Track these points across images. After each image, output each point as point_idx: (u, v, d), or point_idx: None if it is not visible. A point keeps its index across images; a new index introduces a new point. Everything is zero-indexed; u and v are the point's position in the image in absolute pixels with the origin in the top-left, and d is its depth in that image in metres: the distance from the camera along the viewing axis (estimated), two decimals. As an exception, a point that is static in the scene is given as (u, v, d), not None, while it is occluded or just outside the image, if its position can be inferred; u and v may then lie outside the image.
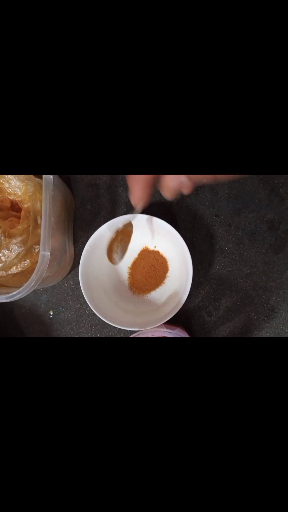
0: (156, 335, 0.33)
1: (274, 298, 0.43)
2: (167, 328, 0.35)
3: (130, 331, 0.43)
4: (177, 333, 0.33)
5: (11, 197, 0.39)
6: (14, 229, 0.36)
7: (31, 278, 0.33)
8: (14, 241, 0.35)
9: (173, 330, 0.34)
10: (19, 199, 0.39)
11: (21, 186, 0.37)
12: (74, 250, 0.44)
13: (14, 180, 0.37)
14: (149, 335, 0.34)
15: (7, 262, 0.36)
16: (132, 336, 0.34)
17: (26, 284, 0.33)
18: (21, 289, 0.34)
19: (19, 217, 0.38)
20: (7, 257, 0.36)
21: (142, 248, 0.42)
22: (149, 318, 0.37)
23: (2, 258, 0.36)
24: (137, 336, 0.34)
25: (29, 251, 0.37)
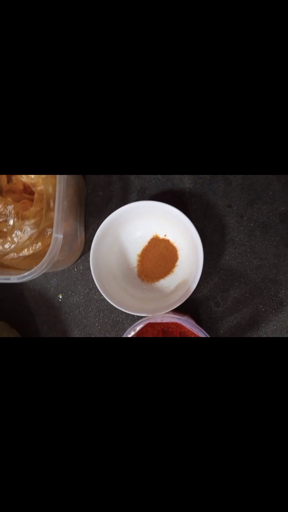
0: (165, 320, 0.34)
1: (283, 291, 0.42)
2: (175, 314, 0.35)
3: (137, 316, 0.44)
4: (186, 319, 0.34)
5: (23, 180, 0.40)
6: (27, 211, 0.37)
7: (43, 259, 0.34)
8: (27, 222, 0.36)
9: (182, 317, 0.34)
10: (32, 181, 0.39)
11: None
12: (85, 236, 0.45)
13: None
14: (158, 321, 0.34)
15: (19, 243, 0.36)
16: (141, 321, 0.35)
17: (38, 266, 0.34)
18: (33, 270, 0.34)
19: (31, 200, 0.38)
20: (20, 238, 0.36)
21: (152, 236, 0.42)
22: (157, 305, 0.38)
23: (15, 239, 0.36)
24: (147, 322, 0.34)
25: (41, 234, 0.37)
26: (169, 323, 0.34)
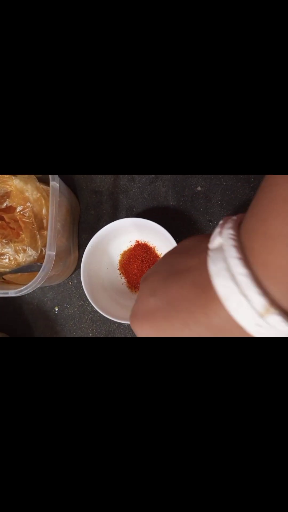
0: None
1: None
2: None
3: (128, 326, 0.47)
4: None
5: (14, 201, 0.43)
6: (19, 238, 0.41)
7: (37, 275, 0.37)
8: (23, 247, 0.40)
9: None
10: (24, 202, 0.42)
11: (28, 189, 0.41)
12: (79, 252, 0.48)
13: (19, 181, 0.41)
14: None
15: (24, 262, 0.40)
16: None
17: (33, 280, 0.37)
18: (28, 285, 0.37)
19: (13, 228, 0.42)
20: (22, 260, 0.40)
21: (137, 249, 0.45)
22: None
23: (19, 259, 0.40)
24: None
25: (40, 254, 0.41)
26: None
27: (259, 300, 0.14)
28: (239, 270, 0.15)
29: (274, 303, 0.14)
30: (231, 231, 0.16)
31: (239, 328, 0.15)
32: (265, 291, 0.14)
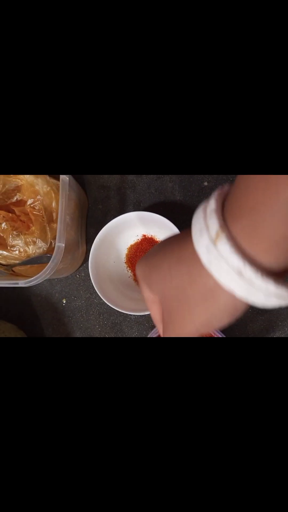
0: None
1: (268, 293, 0.46)
2: None
3: (134, 318, 0.47)
4: None
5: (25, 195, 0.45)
6: (29, 230, 0.42)
7: (47, 266, 0.38)
8: (34, 239, 0.41)
9: None
10: (34, 196, 0.43)
11: (39, 182, 0.42)
12: (86, 246, 0.49)
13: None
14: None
15: (34, 254, 0.41)
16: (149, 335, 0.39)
17: (42, 271, 0.38)
18: (38, 275, 0.38)
19: (23, 221, 0.43)
20: (32, 251, 0.41)
21: (144, 243, 0.46)
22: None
23: (29, 251, 0.41)
24: (152, 335, 0.38)
25: (49, 246, 0.42)
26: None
27: (214, 225, 0.17)
28: (211, 207, 0.18)
29: (227, 230, 0.17)
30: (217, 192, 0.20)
31: (199, 259, 0.18)
32: (225, 222, 0.17)
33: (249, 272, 0.16)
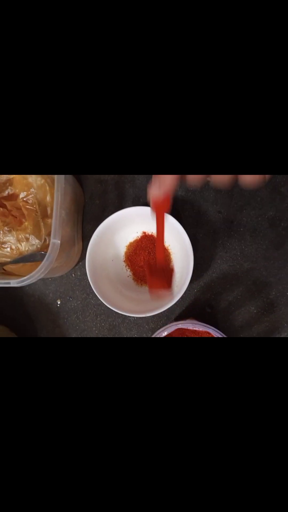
0: (197, 328, 0.36)
1: (273, 293, 0.44)
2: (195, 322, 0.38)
3: (133, 320, 0.45)
4: (214, 329, 0.36)
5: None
6: (21, 226, 0.39)
7: (41, 264, 0.35)
8: (26, 235, 0.38)
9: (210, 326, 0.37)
10: (27, 189, 0.41)
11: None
12: (82, 243, 0.47)
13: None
14: (190, 327, 0.36)
15: (27, 251, 0.38)
16: (168, 326, 0.38)
17: (36, 270, 0.36)
18: (31, 274, 0.36)
19: (15, 216, 0.40)
20: (25, 249, 0.38)
21: (144, 240, 0.44)
22: (150, 306, 0.39)
23: (22, 248, 0.38)
24: (175, 328, 0.37)
25: (43, 243, 0.39)
26: (200, 331, 0.36)
27: None
28: None
29: None
30: None
31: None
32: None
33: None
